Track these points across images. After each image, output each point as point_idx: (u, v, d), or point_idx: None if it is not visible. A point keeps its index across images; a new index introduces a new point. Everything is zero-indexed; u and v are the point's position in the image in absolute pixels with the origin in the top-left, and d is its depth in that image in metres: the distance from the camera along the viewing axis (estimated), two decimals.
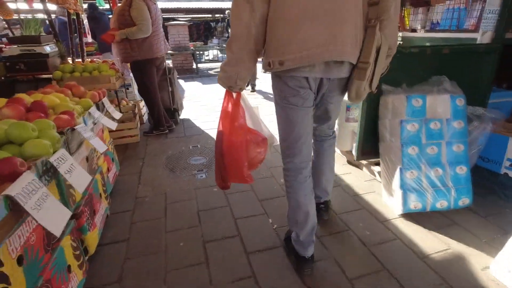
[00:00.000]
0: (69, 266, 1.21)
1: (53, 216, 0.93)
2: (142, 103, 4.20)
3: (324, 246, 1.66)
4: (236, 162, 1.37)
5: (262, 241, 1.71)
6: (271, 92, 1.50)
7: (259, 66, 3.63)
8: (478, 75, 2.14)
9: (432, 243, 1.66)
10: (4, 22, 5.71)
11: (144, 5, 2.97)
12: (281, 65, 1.16)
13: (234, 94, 1.35)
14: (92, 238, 1.51)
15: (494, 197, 2.04)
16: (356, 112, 2.48)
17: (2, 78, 2.77)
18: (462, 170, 1.86)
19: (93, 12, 4.66)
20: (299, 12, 1.09)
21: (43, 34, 3.06)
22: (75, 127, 1.42)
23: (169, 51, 8.35)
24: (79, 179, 1.21)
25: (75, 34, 3.93)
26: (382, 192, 2.09)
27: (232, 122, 1.34)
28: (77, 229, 1.40)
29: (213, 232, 1.79)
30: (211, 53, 10.33)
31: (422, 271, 1.48)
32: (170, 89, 3.88)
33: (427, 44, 2.59)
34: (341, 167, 2.58)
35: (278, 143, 1.46)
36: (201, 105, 4.96)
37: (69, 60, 3.51)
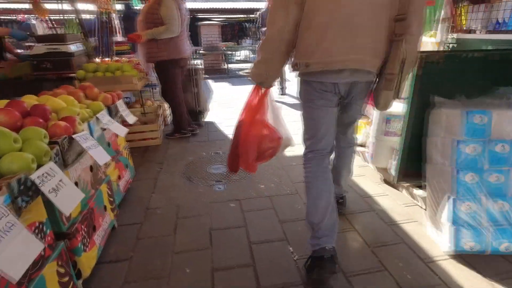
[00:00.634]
0: None
1: (17, 257, 0.76)
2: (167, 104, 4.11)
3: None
4: (247, 151, 1.50)
5: (280, 275, 1.46)
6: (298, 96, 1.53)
7: (288, 71, 3.38)
8: None
9: None
10: (49, 22, 5.95)
11: (174, 4, 2.84)
12: (307, 67, 1.30)
13: (262, 90, 1.47)
14: (88, 259, 1.35)
15: None
16: (397, 125, 2.15)
17: (30, 76, 2.77)
18: None
19: (128, 12, 4.68)
20: (327, 22, 1.22)
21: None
22: (74, 136, 1.27)
23: (200, 51, 8.35)
24: (66, 199, 1.05)
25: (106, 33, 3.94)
26: (426, 223, 1.75)
27: (254, 115, 1.47)
28: (70, 250, 1.25)
29: (224, 258, 1.57)
30: (243, 53, 10.20)
31: None
32: (195, 90, 3.75)
33: (489, 47, 2.19)
34: (376, 187, 2.26)
35: (293, 146, 1.60)
36: (227, 107, 4.79)
37: (97, 59, 3.50)
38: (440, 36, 2.62)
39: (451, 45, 2.56)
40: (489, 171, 1.50)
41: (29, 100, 1.50)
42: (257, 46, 1.46)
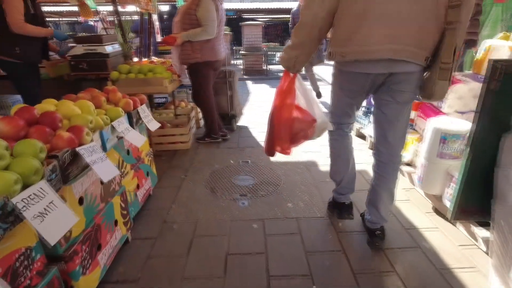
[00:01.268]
0: None
1: None
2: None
3: None
4: (280, 134, 1.56)
5: None
6: None
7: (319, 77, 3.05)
8: None
9: None
10: (105, 23, 6.28)
11: (213, 5, 2.71)
12: (343, 56, 1.32)
13: (291, 75, 1.51)
14: (87, 283, 1.24)
15: None
16: (456, 147, 1.79)
17: (70, 76, 2.83)
18: None
19: (173, 11, 4.70)
20: (364, 10, 1.20)
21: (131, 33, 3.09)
22: (77, 149, 1.16)
23: (241, 52, 8.27)
24: (54, 225, 0.93)
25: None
26: (489, 273, 1.40)
27: (284, 100, 1.52)
28: (66, 274, 1.14)
29: None
30: None
31: None
32: (229, 93, 3.62)
33: None
34: (424, 217, 1.91)
35: (330, 129, 1.60)
36: (263, 111, 4.58)
37: (135, 59, 3.52)
38: None
39: None
40: None
41: (46, 105, 1.43)
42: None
